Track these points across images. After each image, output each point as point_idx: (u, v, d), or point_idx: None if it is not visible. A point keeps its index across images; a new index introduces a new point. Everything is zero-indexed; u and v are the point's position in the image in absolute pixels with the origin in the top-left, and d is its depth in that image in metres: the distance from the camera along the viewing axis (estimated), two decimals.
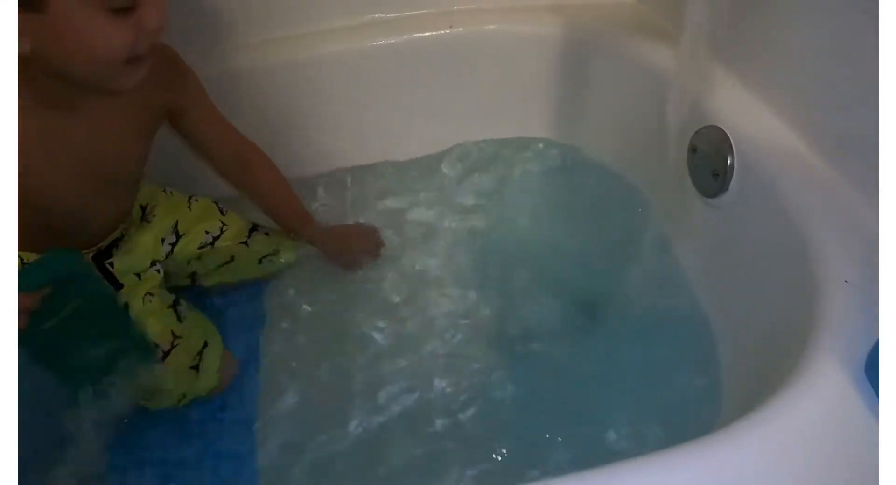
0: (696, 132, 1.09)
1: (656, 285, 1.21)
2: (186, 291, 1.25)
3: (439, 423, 1.08)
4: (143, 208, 1.18)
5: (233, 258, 1.26)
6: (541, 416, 1.08)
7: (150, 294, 1.10)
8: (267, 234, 1.30)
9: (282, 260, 1.31)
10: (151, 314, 1.08)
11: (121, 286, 1.07)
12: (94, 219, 1.04)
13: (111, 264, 1.08)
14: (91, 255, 1.06)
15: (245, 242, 1.26)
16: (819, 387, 0.71)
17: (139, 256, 1.12)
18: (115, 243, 1.11)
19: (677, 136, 1.12)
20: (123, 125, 0.96)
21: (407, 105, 1.46)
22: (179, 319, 1.12)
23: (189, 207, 1.23)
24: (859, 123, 0.87)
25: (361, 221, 1.40)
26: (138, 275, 1.11)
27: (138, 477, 1.07)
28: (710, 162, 1.05)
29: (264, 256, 1.29)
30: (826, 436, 0.67)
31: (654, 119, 1.15)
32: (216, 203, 1.27)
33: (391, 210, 1.43)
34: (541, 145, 1.53)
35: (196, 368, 1.11)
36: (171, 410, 1.11)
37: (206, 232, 1.23)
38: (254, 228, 1.29)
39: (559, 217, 1.40)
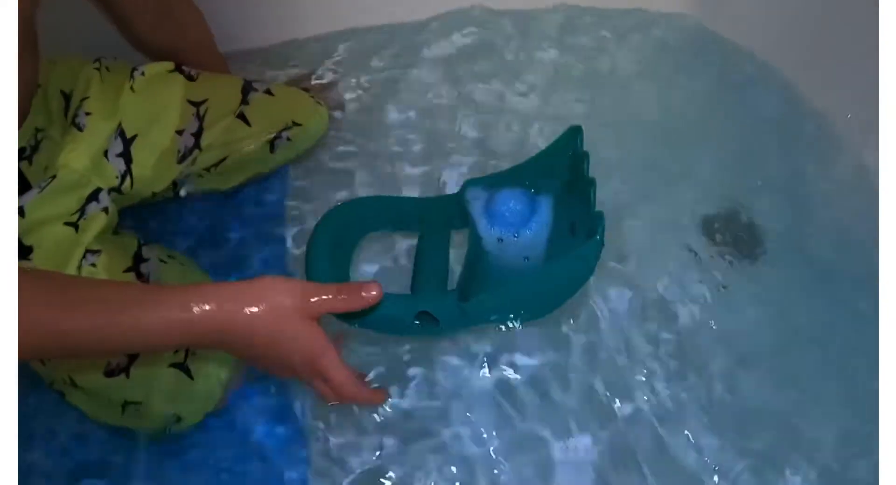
0: None
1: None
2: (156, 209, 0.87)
3: None
4: (67, 97, 0.75)
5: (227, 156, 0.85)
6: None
7: (93, 253, 0.70)
8: (270, 91, 0.87)
9: (307, 134, 0.91)
10: None
11: (28, 251, 0.67)
12: None
13: (20, 211, 0.66)
14: None
15: (241, 115, 0.84)
16: None
17: (69, 187, 0.70)
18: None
19: None
20: None
21: None
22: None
23: (132, 87, 0.78)
24: None
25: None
26: (73, 224, 0.70)
27: None
28: None
29: (278, 135, 0.87)
30: None
31: None
32: (178, 69, 0.83)
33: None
34: (664, 21, 1.14)
35: (183, 369, 0.73)
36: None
37: (177, 132, 0.80)
38: (248, 86, 0.86)
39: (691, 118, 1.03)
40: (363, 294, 0.58)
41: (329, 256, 0.73)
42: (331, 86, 1.05)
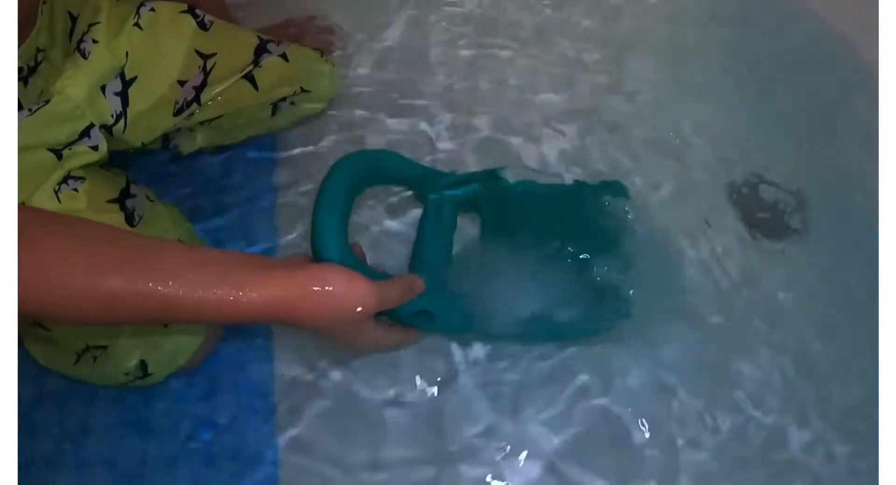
0: None
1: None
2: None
3: None
4: (73, 19, 0.69)
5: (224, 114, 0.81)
6: None
7: (75, 179, 0.65)
8: (285, 56, 0.81)
9: (313, 100, 0.88)
10: None
11: None
12: None
13: None
14: None
15: (250, 77, 0.79)
16: None
17: (61, 117, 0.65)
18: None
19: None
20: None
21: None
22: (131, 223, 0.68)
23: (138, 23, 0.72)
24: None
25: None
26: (57, 151, 0.65)
27: None
28: None
29: (282, 99, 0.83)
30: None
31: None
32: (190, 10, 0.76)
33: None
34: None
35: None
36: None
37: (179, 82, 0.74)
38: (263, 47, 0.80)
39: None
40: (414, 289, 0.61)
41: (341, 208, 0.66)
42: (329, 29, 1.02)
